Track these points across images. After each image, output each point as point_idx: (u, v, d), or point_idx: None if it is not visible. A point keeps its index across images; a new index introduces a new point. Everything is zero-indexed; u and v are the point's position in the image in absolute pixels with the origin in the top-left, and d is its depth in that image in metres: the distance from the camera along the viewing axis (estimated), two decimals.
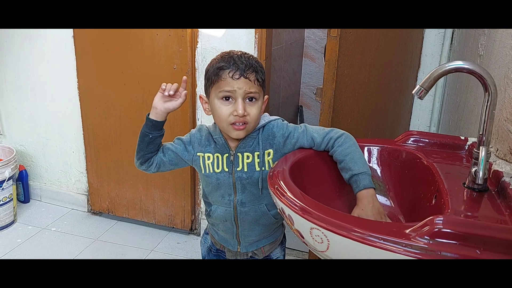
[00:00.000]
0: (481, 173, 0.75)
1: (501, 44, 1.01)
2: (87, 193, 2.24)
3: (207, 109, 1.01)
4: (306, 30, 2.90)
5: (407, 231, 0.62)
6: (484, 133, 0.77)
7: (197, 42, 1.81)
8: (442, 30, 1.78)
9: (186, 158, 1.05)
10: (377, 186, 0.95)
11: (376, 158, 1.01)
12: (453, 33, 1.76)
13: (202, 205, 2.03)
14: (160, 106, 0.99)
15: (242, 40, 1.74)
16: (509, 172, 0.78)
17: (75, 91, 2.06)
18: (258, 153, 1.00)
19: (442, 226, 0.60)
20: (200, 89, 1.86)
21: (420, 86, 0.77)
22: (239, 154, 1.01)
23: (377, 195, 0.90)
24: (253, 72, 0.93)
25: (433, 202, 0.83)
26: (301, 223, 0.72)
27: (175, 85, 0.99)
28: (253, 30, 1.70)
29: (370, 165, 0.98)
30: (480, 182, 0.76)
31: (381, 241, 0.61)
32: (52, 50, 2.05)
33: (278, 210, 0.82)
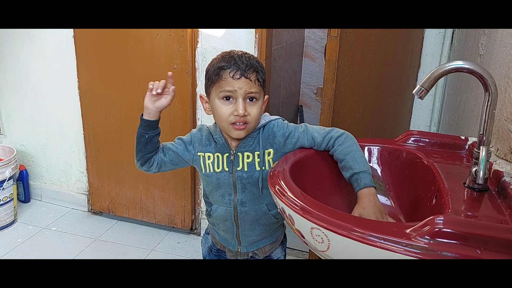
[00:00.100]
0: (481, 173, 0.75)
1: (502, 43, 1.01)
2: (87, 193, 2.24)
3: (208, 109, 1.01)
4: (306, 30, 2.90)
5: (408, 231, 0.62)
6: (484, 133, 0.77)
7: (197, 42, 1.81)
8: (442, 30, 1.78)
9: (186, 158, 1.05)
10: (378, 185, 0.95)
11: (377, 158, 1.01)
12: (453, 32, 1.76)
13: (203, 204, 2.04)
14: (151, 106, 0.99)
15: (242, 39, 1.74)
16: (510, 172, 0.78)
17: (76, 91, 2.06)
18: (258, 152, 1.00)
19: (442, 226, 0.60)
20: (201, 89, 1.86)
21: (421, 86, 0.77)
22: (239, 154, 1.01)
23: (377, 195, 0.90)
24: (253, 72, 0.93)
25: (434, 202, 0.83)
26: (301, 223, 0.72)
27: (162, 82, 0.98)
28: (253, 30, 1.70)
29: (371, 165, 0.98)
30: (480, 182, 0.76)
31: (382, 241, 0.61)
32: (53, 50, 2.06)
33: (279, 210, 0.82)
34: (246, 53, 0.96)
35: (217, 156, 1.02)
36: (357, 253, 0.64)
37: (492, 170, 0.81)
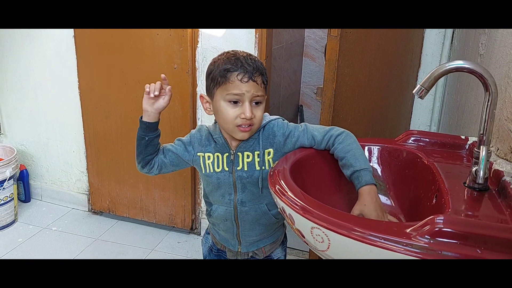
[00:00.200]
0: (481, 172, 0.75)
1: (502, 43, 1.01)
2: (87, 193, 2.24)
3: (209, 109, 1.00)
4: (306, 30, 2.90)
5: (408, 230, 0.62)
6: (484, 132, 0.77)
7: (198, 41, 1.81)
8: (443, 29, 1.78)
9: (186, 159, 1.05)
10: (378, 185, 0.95)
11: (377, 158, 1.01)
12: (453, 32, 1.76)
13: (203, 204, 2.04)
14: (150, 108, 0.99)
15: (243, 39, 1.74)
16: (510, 171, 0.79)
17: (76, 90, 2.06)
18: (258, 152, 1.00)
19: (442, 226, 0.60)
20: (201, 89, 1.86)
21: (421, 85, 0.77)
22: (239, 154, 1.01)
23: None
24: (260, 75, 0.94)
25: (434, 201, 0.83)
26: (301, 223, 0.72)
27: (158, 84, 0.98)
28: (253, 29, 1.70)
29: (371, 164, 0.98)
30: (480, 181, 0.76)
31: (382, 240, 0.61)
32: (53, 50, 2.06)
33: (279, 210, 0.82)
34: (250, 54, 0.96)
35: (217, 156, 1.02)
36: (358, 253, 0.64)
37: (492, 170, 0.82)
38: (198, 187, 2.03)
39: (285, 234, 1.18)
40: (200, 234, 2.08)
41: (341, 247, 0.67)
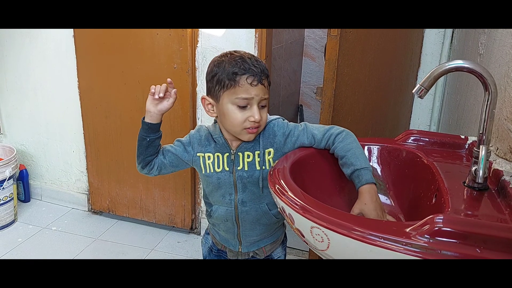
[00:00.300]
0: (481, 172, 0.75)
1: (501, 43, 1.01)
2: (87, 193, 2.25)
3: (211, 111, 0.99)
4: (306, 29, 2.90)
5: (407, 229, 0.62)
6: (484, 132, 0.77)
7: (197, 41, 1.81)
8: (442, 29, 1.78)
9: (186, 159, 1.05)
10: (378, 185, 0.95)
11: (377, 157, 1.01)
12: (453, 32, 1.76)
13: (203, 204, 2.04)
14: (153, 109, 0.99)
15: (242, 39, 1.74)
16: (509, 171, 0.79)
17: (76, 90, 2.06)
18: (258, 152, 1.00)
19: (442, 225, 0.60)
20: (201, 88, 1.87)
21: (420, 85, 0.77)
22: (240, 154, 1.01)
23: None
24: (266, 78, 0.94)
25: (433, 201, 0.83)
26: (301, 222, 0.72)
27: (164, 86, 0.98)
28: (253, 29, 1.70)
29: (371, 164, 0.98)
30: (480, 181, 0.76)
31: (381, 240, 0.61)
32: (53, 49, 2.06)
33: (279, 209, 0.82)
34: (253, 55, 0.96)
35: (217, 156, 1.02)
36: (357, 252, 0.64)
37: (492, 169, 0.82)
38: (198, 187, 2.03)
39: (285, 233, 1.18)
40: (200, 234, 2.08)
41: (340, 246, 0.67)
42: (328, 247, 0.68)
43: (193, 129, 1.08)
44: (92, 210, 2.25)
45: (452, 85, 1.68)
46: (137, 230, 2.11)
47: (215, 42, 1.78)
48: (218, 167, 1.02)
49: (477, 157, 0.77)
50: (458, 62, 0.76)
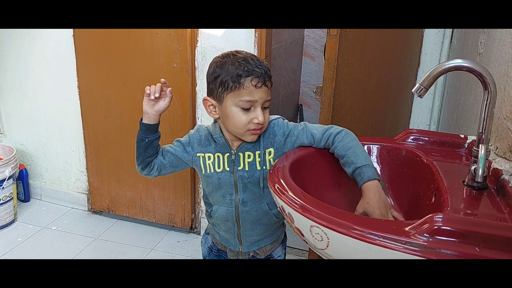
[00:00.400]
0: (480, 171, 0.75)
1: (501, 42, 1.01)
2: (87, 192, 2.25)
3: (213, 112, 0.98)
4: (306, 29, 2.90)
5: (407, 228, 0.62)
6: (483, 131, 0.77)
7: (197, 41, 1.81)
8: (442, 28, 1.78)
9: (185, 160, 1.04)
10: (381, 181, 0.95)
11: (376, 157, 1.01)
12: (452, 31, 1.76)
13: (202, 204, 2.04)
14: (150, 110, 0.99)
15: (242, 38, 1.74)
16: (509, 170, 0.79)
17: (75, 90, 2.06)
18: (259, 152, 1.00)
19: (441, 224, 0.60)
20: (200, 88, 1.87)
21: (420, 84, 0.77)
22: (240, 154, 1.01)
23: None
24: (269, 79, 0.94)
25: (433, 200, 0.83)
26: (301, 221, 0.72)
27: (158, 86, 0.98)
28: (253, 29, 1.70)
29: None
30: (479, 180, 0.76)
31: (381, 239, 0.61)
32: (52, 49, 2.06)
33: (278, 208, 0.82)
34: (255, 56, 0.96)
35: (218, 156, 1.02)
36: (357, 251, 0.64)
37: (491, 168, 0.82)
38: (197, 187, 2.03)
39: (285, 233, 1.18)
40: (200, 233, 2.08)
41: (340, 245, 0.67)
42: (327, 246, 0.68)
43: (192, 129, 1.07)
44: (92, 210, 2.25)
45: (452, 84, 1.69)
46: (137, 230, 2.11)
47: (214, 41, 1.78)
48: (219, 167, 1.02)
49: (476, 156, 0.77)
50: (458, 61, 0.76)
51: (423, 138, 1.00)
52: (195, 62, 1.83)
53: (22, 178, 2.27)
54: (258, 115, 0.93)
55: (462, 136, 0.99)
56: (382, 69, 1.61)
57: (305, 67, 3.01)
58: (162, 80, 1.00)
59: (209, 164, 1.03)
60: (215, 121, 1.03)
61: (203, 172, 1.04)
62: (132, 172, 2.05)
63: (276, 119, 1.03)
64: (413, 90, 0.78)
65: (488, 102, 0.75)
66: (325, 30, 1.78)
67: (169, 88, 0.99)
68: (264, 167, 1.01)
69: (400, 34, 1.66)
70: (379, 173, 1.00)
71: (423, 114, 1.91)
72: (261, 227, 1.07)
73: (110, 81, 1.96)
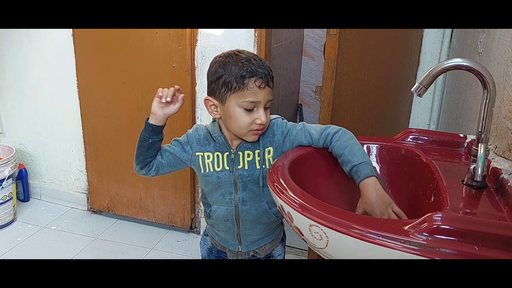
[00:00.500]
0: (479, 170, 0.75)
1: (500, 41, 1.01)
2: (86, 192, 2.24)
3: (215, 112, 0.98)
4: (306, 29, 2.90)
5: (406, 227, 0.62)
6: (483, 130, 0.77)
7: (197, 40, 1.81)
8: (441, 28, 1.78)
9: (184, 159, 1.04)
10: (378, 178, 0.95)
11: (376, 156, 1.01)
12: (452, 31, 1.76)
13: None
14: (159, 112, 0.98)
15: (242, 38, 1.74)
16: (508, 169, 0.79)
17: (75, 90, 2.06)
18: (258, 151, 1.00)
19: (440, 223, 0.60)
20: (200, 88, 1.86)
21: (419, 83, 0.77)
22: (240, 153, 1.01)
23: None
24: (271, 80, 0.94)
25: (432, 199, 0.83)
26: (300, 220, 0.72)
27: (171, 90, 0.98)
28: (252, 28, 1.70)
29: None
30: (478, 179, 0.76)
31: (380, 238, 0.61)
32: (52, 49, 2.05)
33: (278, 207, 0.82)
34: (257, 55, 0.96)
35: (217, 155, 1.02)
36: (356, 250, 0.64)
37: (491, 168, 0.82)
38: (197, 186, 2.03)
39: (284, 231, 1.18)
40: (200, 233, 2.08)
41: (339, 244, 0.67)
42: (327, 245, 0.68)
43: (189, 129, 1.07)
44: (92, 210, 2.25)
45: (451, 84, 1.69)
46: (136, 229, 2.11)
47: (214, 41, 1.78)
48: (218, 166, 1.02)
49: (475, 156, 0.77)
50: (457, 61, 0.76)
51: (423, 137, 1.00)
52: (195, 61, 1.83)
53: (21, 177, 2.27)
54: (260, 116, 0.93)
55: (461, 135, 0.99)
56: (381, 68, 1.61)
57: (305, 67, 3.01)
58: (177, 86, 1.00)
59: (208, 163, 1.02)
60: (214, 120, 1.03)
61: (202, 172, 1.04)
62: (132, 171, 2.02)
63: (275, 118, 1.03)
64: (412, 89, 0.78)
65: (487, 101, 0.75)
66: (325, 29, 1.78)
67: (182, 95, 0.99)
68: (263, 166, 1.01)
69: (400, 33, 1.66)
70: (379, 172, 1.00)
71: (423, 113, 1.91)
72: (260, 226, 1.07)
73: (109, 81, 1.96)
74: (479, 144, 0.76)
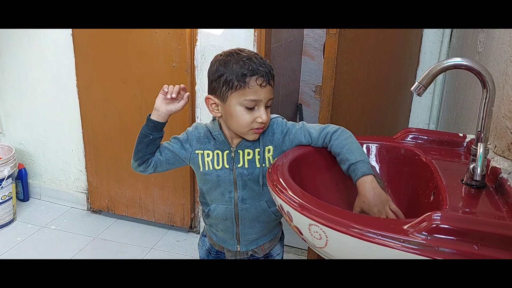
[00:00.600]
0: (479, 169, 0.75)
1: (500, 41, 1.01)
2: (86, 192, 2.24)
3: (216, 111, 0.98)
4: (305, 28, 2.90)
5: (405, 227, 0.62)
6: (482, 130, 0.77)
7: (196, 40, 1.81)
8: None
9: (183, 156, 1.04)
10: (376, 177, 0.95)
11: (375, 155, 1.01)
12: (452, 30, 1.76)
13: None
14: (162, 108, 0.98)
15: (241, 38, 1.74)
16: (507, 168, 0.79)
17: (74, 89, 2.06)
18: (258, 149, 1.01)
19: (439, 222, 0.60)
20: (200, 87, 1.86)
21: (419, 82, 0.77)
22: (240, 151, 1.01)
23: None
24: (272, 78, 0.95)
25: (432, 198, 0.83)
26: (299, 220, 0.72)
27: (177, 87, 0.98)
28: (252, 28, 1.70)
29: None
30: (478, 178, 0.76)
31: (379, 237, 0.61)
32: (51, 48, 2.05)
33: (277, 207, 0.82)
34: (258, 54, 0.96)
35: (217, 154, 1.02)
36: (355, 250, 0.64)
37: (490, 167, 0.82)
38: (197, 186, 2.03)
39: (282, 230, 1.18)
40: (199, 233, 2.08)
41: (339, 244, 0.67)
42: (326, 245, 0.68)
43: (189, 127, 1.07)
44: (91, 209, 2.25)
45: (451, 83, 1.69)
46: (136, 229, 2.11)
47: (214, 40, 1.78)
48: (218, 165, 1.02)
49: (475, 155, 0.77)
50: (456, 60, 0.76)
51: (422, 137, 1.00)
52: (195, 61, 1.83)
53: (21, 177, 2.27)
54: (261, 114, 0.93)
55: (461, 134, 0.99)
56: (381, 68, 1.61)
57: (305, 66, 3.01)
58: (182, 85, 1.00)
59: (207, 161, 1.02)
60: (214, 119, 1.03)
61: (201, 170, 1.03)
62: (131, 171, 2.02)
63: (275, 117, 1.03)
64: (412, 89, 0.78)
65: (486, 100, 0.75)
66: (325, 29, 1.78)
67: (187, 93, 1.00)
68: (263, 165, 1.01)
69: (400, 33, 1.66)
70: (378, 171, 1.00)
71: (422, 113, 1.91)
72: (259, 225, 1.07)
73: (109, 80, 1.96)
74: (479, 144, 0.76)
